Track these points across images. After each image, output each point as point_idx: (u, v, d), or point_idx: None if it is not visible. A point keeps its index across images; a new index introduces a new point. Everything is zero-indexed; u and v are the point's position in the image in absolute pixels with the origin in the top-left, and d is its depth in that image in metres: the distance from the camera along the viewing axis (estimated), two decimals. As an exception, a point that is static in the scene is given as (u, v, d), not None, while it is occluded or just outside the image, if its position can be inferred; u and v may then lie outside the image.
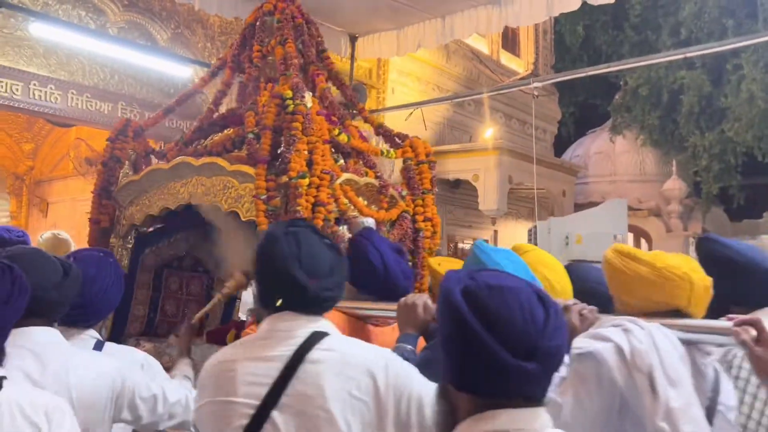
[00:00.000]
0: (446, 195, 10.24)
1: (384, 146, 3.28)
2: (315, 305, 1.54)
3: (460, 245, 11.10)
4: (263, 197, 2.50)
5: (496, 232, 11.43)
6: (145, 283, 3.30)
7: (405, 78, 9.46)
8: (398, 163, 3.28)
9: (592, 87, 13.69)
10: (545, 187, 10.39)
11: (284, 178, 2.53)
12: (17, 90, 5.65)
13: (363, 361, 1.47)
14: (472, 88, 10.11)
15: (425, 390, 1.45)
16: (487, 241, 11.40)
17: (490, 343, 1.04)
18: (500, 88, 8.02)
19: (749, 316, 1.51)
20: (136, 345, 2.88)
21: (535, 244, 7.68)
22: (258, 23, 3.28)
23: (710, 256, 1.95)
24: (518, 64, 12.06)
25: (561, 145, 13.79)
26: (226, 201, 2.66)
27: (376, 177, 2.98)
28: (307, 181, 2.51)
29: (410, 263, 2.72)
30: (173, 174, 2.91)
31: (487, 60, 11.08)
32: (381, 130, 3.29)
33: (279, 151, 2.62)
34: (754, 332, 1.45)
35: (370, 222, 2.64)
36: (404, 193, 3.00)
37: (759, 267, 1.92)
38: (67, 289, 1.78)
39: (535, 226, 7.85)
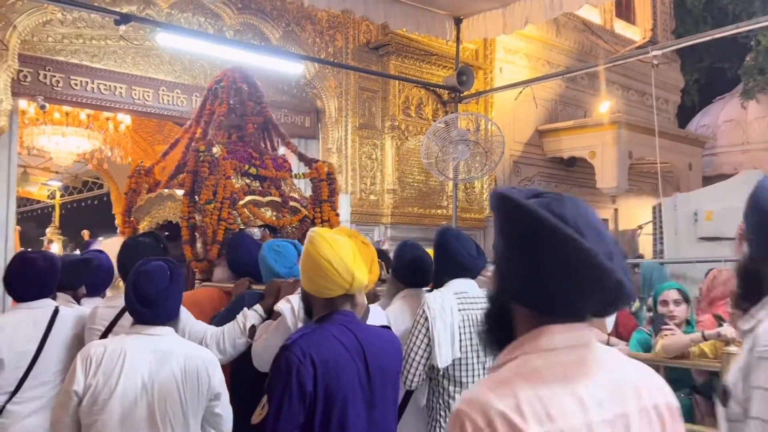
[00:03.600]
0: (560, 174, 9.93)
1: (304, 169, 4.66)
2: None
3: (578, 225, 10.72)
4: (186, 217, 3.82)
5: (616, 210, 10.93)
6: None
7: (513, 56, 9.23)
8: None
9: (718, 50, 12.64)
10: (669, 160, 9.81)
11: (199, 204, 3.81)
12: (148, 96, 6.11)
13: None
14: (585, 61, 9.70)
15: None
16: (606, 220, 10.94)
17: (585, 246, 1.04)
18: (616, 59, 7.61)
19: None
20: None
21: (660, 222, 7.28)
22: (211, 90, 4.52)
23: None
24: (634, 32, 11.40)
25: (685, 115, 12.90)
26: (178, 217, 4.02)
27: (280, 195, 4.14)
28: (212, 205, 3.74)
29: None
30: (160, 200, 4.23)
31: (600, 30, 10.56)
32: (301, 158, 4.72)
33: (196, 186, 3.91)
34: None
35: (252, 232, 3.69)
36: (305, 204, 4.23)
37: None
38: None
39: (660, 203, 7.43)
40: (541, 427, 1.01)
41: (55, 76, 5.57)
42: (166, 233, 4.03)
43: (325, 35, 7.00)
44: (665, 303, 3.39)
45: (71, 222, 12.93)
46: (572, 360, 1.10)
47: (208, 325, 2.71)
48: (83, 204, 13.38)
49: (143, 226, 4.46)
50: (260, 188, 4.14)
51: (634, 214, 10.96)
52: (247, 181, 4.13)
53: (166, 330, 2.17)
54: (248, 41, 6.44)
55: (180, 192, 4.08)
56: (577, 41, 10.17)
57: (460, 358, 2.58)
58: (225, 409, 2.24)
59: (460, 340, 2.58)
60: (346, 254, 1.95)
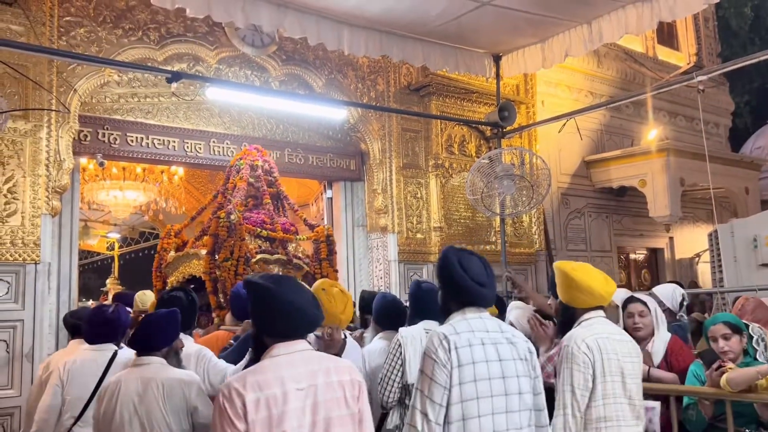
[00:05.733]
0: (610, 204, 9.76)
1: (306, 231, 5.60)
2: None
3: (632, 256, 10.47)
4: (207, 272, 4.74)
5: (671, 239, 10.63)
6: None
7: (554, 89, 9.23)
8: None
9: (769, 70, 12.37)
10: (723, 185, 9.52)
11: (218, 261, 4.73)
12: (200, 148, 6.35)
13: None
14: (628, 90, 9.60)
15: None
16: (662, 249, 10.64)
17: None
18: (660, 86, 7.51)
19: None
20: None
21: (718, 250, 7.05)
22: (234, 166, 5.59)
23: None
24: (678, 58, 11.24)
25: (738, 138, 12.56)
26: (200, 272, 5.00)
27: (286, 254, 5.09)
28: (229, 263, 4.66)
29: None
30: (186, 257, 5.19)
31: (642, 58, 10.47)
32: (305, 222, 5.78)
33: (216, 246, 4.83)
34: None
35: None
36: (307, 262, 5.23)
37: None
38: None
39: (716, 230, 7.20)
40: (254, 393, 1.84)
41: (112, 134, 5.86)
42: (192, 286, 4.81)
43: (366, 80, 7.17)
44: (714, 339, 3.26)
45: (129, 272, 13.34)
46: (287, 360, 1.94)
47: (228, 363, 3.30)
48: (140, 254, 13.82)
49: (171, 281, 5.25)
50: (270, 248, 5.05)
51: (690, 242, 10.63)
52: (259, 242, 5.02)
53: (153, 359, 2.75)
54: (293, 91, 6.66)
55: (203, 252, 4.94)
56: (620, 70, 10.10)
57: None
58: (209, 419, 2.55)
59: None
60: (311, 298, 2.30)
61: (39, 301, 5.00)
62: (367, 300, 4.34)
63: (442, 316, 2.43)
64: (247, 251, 4.74)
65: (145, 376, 2.68)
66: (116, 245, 13.50)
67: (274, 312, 1.97)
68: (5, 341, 4.83)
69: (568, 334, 2.70)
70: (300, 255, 5.22)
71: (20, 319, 4.91)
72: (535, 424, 2.25)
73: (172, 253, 5.57)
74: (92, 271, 15.46)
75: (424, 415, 2.13)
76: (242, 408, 1.81)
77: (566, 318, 2.79)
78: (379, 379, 3.11)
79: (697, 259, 10.52)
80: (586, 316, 2.72)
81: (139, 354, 2.79)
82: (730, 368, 3.06)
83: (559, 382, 2.62)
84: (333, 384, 1.95)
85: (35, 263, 5.00)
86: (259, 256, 4.79)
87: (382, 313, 3.67)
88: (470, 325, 2.25)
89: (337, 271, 5.35)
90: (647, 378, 3.33)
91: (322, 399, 1.91)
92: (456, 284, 2.33)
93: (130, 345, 2.83)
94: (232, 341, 3.65)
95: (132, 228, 13.00)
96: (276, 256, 4.93)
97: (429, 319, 3.17)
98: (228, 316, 4.14)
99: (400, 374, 3.03)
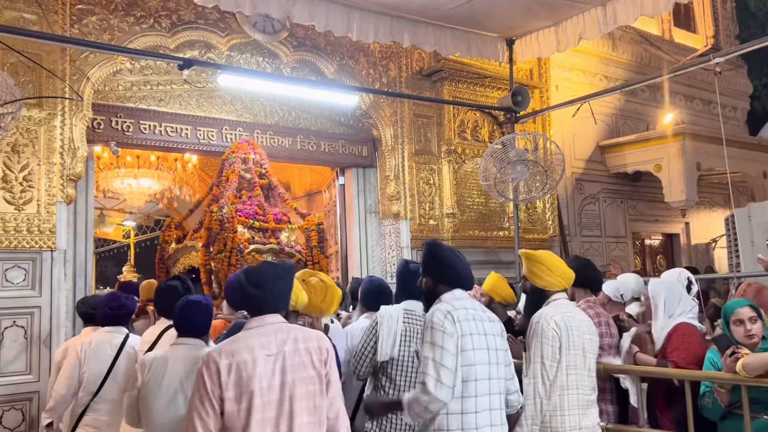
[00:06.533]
0: (625, 189, 9.67)
1: (298, 221, 5.80)
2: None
3: (648, 242, 10.38)
4: (204, 264, 5.03)
5: (687, 224, 10.52)
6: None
7: (568, 73, 9.12)
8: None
9: (789, 52, 12.11)
10: (741, 170, 9.39)
11: (213, 253, 4.98)
12: (213, 136, 6.37)
13: None
14: (644, 74, 9.47)
15: None
16: (678, 234, 10.55)
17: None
18: (676, 69, 7.39)
19: None
20: None
21: (734, 235, 6.96)
22: (227, 159, 5.88)
23: None
24: (695, 41, 11.06)
25: (756, 121, 12.35)
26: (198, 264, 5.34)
27: (278, 243, 5.33)
28: (222, 255, 4.89)
29: None
30: (185, 249, 5.50)
31: (659, 41, 10.32)
32: (297, 211, 6.07)
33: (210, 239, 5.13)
34: None
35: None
36: (299, 248, 5.46)
37: None
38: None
39: (733, 215, 7.11)
40: (227, 360, 2.17)
41: (125, 122, 5.89)
42: (193, 276, 5.06)
43: (378, 66, 7.13)
44: (740, 322, 3.17)
45: (145, 259, 13.46)
46: (258, 332, 2.27)
47: None
48: (156, 242, 13.91)
49: (174, 271, 5.54)
50: (263, 238, 5.28)
51: (706, 227, 10.52)
52: (252, 233, 5.24)
53: (195, 341, 2.88)
54: (305, 77, 6.64)
55: (200, 244, 5.22)
56: (635, 53, 9.96)
57: (397, 360, 3.09)
58: None
59: (400, 345, 3.09)
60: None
61: (55, 287, 5.05)
62: (357, 286, 4.55)
63: (423, 299, 2.83)
64: (240, 243, 4.96)
65: (192, 354, 2.77)
66: (132, 233, 13.63)
67: (246, 295, 2.34)
68: (23, 327, 4.90)
69: (538, 312, 3.05)
70: (292, 243, 5.41)
71: (37, 305, 4.97)
72: (506, 389, 2.71)
73: (173, 245, 5.89)
74: (109, 259, 15.62)
75: (437, 380, 2.43)
76: (216, 372, 2.14)
77: (536, 298, 3.15)
78: (354, 353, 3.24)
79: (713, 244, 10.41)
80: (553, 297, 3.09)
81: (182, 335, 2.90)
82: (746, 353, 3.02)
83: (530, 354, 2.98)
84: (300, 350, 2.27)
85: (51, 250, 5.05)
86: (252, 247, 5.01)
87: (368, 296, 3.86)
88: (463, 303, 2.64)
89: (328, 257, 5.66)
90: (634, 361, 3.61)
91: (290, 363, 2.23)
92: (447, 267, 2.70)
93: (176, 326, 2.99)
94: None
95: (147, 216, 13.10)
96: (268, 246, 5.15)
97: (413, 299, 3.23)
98: (224, 305, 4.19)
99: (373, 351, 3.14)
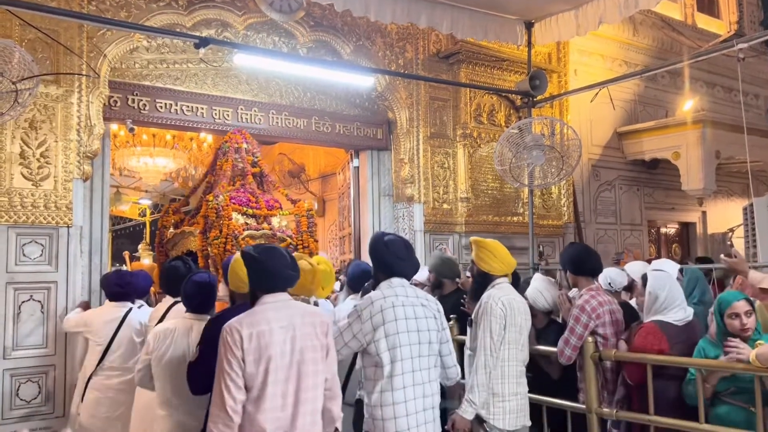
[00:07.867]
0: (642, 177, 9.57)
1: (289, 207, 6.01)
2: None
3: (663, 230, 10.29)
4: (201, 249, 5.31)
5: (704, 213, 10.40)
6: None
7: (587, 58, 9.01)
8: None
9: (814, 39, 11.85)
10: (761, 159, 9.25)
11: (209, 240, 5.27)
12: (228, 115, 6.37)
13: None
14: (664, 59, 9.32)
15: None
16: (695, 223, 10.44)
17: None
18: (698, 55, 7.26)
19: None
20: None
21: (753, 224, 6.87)
22: (220, 148, 6.10)
23: None
24: (718, 27, 10.86)
25: (778, 109, 12.14)
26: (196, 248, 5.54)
27: (270, 228, 5.54)
28: (218, 240, 5.18)
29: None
30: (183, 235, 5.77)
31: (680, 26, 10.13)
32: (288, 198, 6.17)
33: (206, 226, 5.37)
34: None
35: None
36: (290, 233, 5.64)
37: None
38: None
39: (751, 204, 7.02)
40: (248, 329, 2.50)
41: (142, 100, 5.90)
42: (191, 259, 5.33)
43: (395, 47, 7.07)
44: (736, 316, 3.13)
45: (160, 238, 13.57)
46: (273, 306, 2.61)
47: None
48: (171, 220, 14.00)
49: (173, 254, 5.81)
50: (256, 224, 5.58)
51: (723, 216, 10.40)
52: (246, 219, 5.55)
53: (203, 316, 3.26)
54: (321, 57, 6.60)
55: (197, 231, 5.56)
56: (656, 39, 9.80)
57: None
58: None
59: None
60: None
61: (72, 263, 5.11)
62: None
63: (372, 286, 3.19)
64: (235, 229, 5.31)
65: (198, 327, 3.13)
66: (147, 212, 13.72)
67: (259, 273, 2.65)
68: (40, 302, 4.97)
69: (487, 293, 3.47)
70: (284, 228, 5.72)
71: (54, 281, 5.04)
72: (441, 365, 3.12)
73: (171, 230, 6.23)
74: (125, 236, 15.75)
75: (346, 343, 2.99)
76: (240, 339, 2.48)
77: (482, 281, 3.56)
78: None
79: (730, 233, 10.30)
80: (498, 281, 3.53)
81: (189, 310, 3.29)
82: (760, 343, 3.00)
83: (479, 330, 3.39)
84: (306, 323, 2.65)
85: (68, 227, 5.10)
86: (246, 233, 5.32)
87: (353, 279, 4.21)
88: (395, 291, 3.02)
89: (317, 241, 5.94)
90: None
91: (299, 333, 2.60)
92: (379, 260, 3.09)
93: (184, 302, 3.31)
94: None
95: (163, 195, 13.17)
96: (261, 231, 5.45)
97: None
98: (221, 287, 4.27)
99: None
